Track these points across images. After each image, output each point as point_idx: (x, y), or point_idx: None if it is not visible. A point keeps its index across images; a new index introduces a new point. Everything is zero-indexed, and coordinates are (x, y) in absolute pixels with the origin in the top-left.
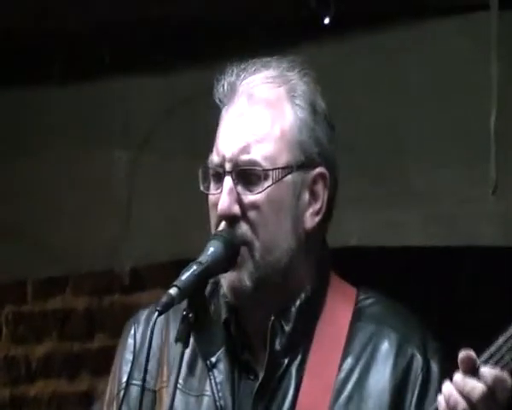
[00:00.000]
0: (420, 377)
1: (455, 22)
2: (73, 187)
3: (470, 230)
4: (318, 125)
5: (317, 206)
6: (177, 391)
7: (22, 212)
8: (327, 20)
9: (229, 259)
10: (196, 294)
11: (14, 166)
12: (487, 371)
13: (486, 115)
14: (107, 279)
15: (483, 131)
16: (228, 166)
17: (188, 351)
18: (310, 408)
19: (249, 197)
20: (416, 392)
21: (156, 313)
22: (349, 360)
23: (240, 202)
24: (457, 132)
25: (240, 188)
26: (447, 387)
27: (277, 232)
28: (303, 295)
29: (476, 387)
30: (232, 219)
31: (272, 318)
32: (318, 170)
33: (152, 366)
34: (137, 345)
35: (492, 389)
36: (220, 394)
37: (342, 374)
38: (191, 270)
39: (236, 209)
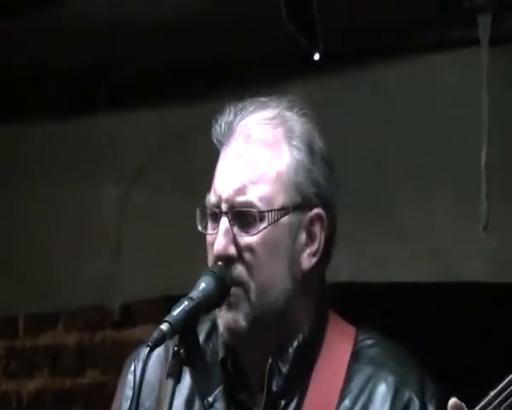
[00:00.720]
0: None
1: (446, 57)
2: (64, 223)
3: (459, 266)
4: (315, 166)
5: (314, 247)
6: None
7: (12, 248)
8: (317, 57)
9: (221, 295)
10: (187, 329)
11: (2, 200)
12: None
13: (477, 151)
14: (98, 315)
15: (473, 166)
16: (224, 207)
17: (186, 390)
18: None
19: (245, 239)
20: None
21: (147, 349)
22: (346, 402)
23: (236, 243)
24: (448, 168)
25: (236, 229)
26: None
27: (273, 274)
28: (301, 336)
29: None
30: (228, 260)
31: (270, 359)
32: (315, 211)
33: (152, 401)
34: (137, 381)
35: None
36: None
37: None
38: (182, 306)
39: (232, 250)
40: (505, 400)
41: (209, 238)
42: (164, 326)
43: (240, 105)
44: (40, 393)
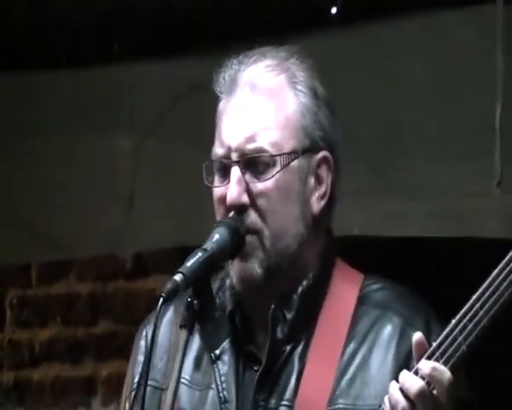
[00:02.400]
0: None
1: (460, 14)
2: (78, 174)
3: (473, 223)
4: (320, 110)
5: (322, 190)
6: (184, 386)
7: (25, 199)
8: (333, 10)
9: (235, 246)
10: (201, 281)
11: (15, 154)
12: (425, 364)
13: (491, 109)
14: (110, 265)
15: (487, 124)
16: (234, 156)
17: (194, 346)
18: (312, 394)
19: (258, 185)
20: None
21: (161, 299)
22: (352, 345)
23: (248, 190)
24: (461, 126)
25: (248, 177)
26: (392, 385)
27: (286, 219)
28: (305, 283)
29: (414, 383)
30: (241, 209)
31: (272, 306)
32: (322, 154)
33: (164, 364)
34: (149, 346)
35: (430, 385)
36: (224, 385)
37: (345, 358)
38: (196, 257)
39: (245, 198)
40: (464, 328)
41: (217, 192)
42: (178, 277)
43: (241, 56)
44: (52, 342)
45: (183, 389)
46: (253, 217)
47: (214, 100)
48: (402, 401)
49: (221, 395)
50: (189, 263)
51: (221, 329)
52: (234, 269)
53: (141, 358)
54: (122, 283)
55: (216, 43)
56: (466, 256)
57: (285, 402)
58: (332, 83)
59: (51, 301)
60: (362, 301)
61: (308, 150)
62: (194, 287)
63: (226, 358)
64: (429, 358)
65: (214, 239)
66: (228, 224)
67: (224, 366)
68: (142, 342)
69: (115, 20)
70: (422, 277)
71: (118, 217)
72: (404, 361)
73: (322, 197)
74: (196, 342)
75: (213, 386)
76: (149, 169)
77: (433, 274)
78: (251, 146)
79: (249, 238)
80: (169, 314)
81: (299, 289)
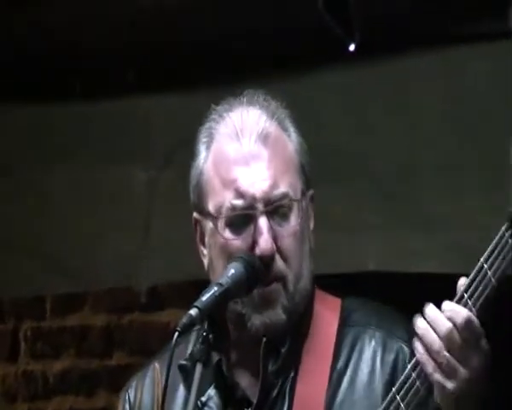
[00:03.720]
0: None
1: (477, 50)
2: (92, 204)
3: None
4: (303, 148)
5: (312, 224)
6: None
7: (40, 228)
8: (351, 47)
9: (250, 281)
10: (215, 315)
11: (30, 183)
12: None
13: (505, 144)
14: (125, 297)
15: (501, 159)
16: (261, 206)
17: (180, 394)
18: None
19: (284, 233)
20: None
21: (176, 333)
22: (338, 367)
23: (275, 239)
24: (475, 160)
25: (273, 224)
26: (420, 324)
27: (302, 260)
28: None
29: (459, 313)
30: (272, 258)
31: (264, 340)
32: (311, 190)
33: None
34: (132, 403)
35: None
36: None
37: (333, 382)
38: (212, 291)
39: (274, 247)
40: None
41: (233, 245)
42: (193, 311)
43: (226, 105)
44: (66, 374)
45: None
46: (279, 264)
47: None
48: (436, 340)
49: None
50: (205, 297)
51: (204, 375)
52: (255, 318)
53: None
54: (137, 315)
55: (230, 75)
56: None
57: None
58: (348, 117)
59: (65, 333)
60: (343, 322)
61: (307, 189)
62: (209, 321)
63: (212, 404)
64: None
65: (229, 274)
66: (243, 259)
67: None
68: (127, 406)
69: (130, 50)
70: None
71: (133, 249)
72: (391, 371)
73: (312, 231)
74: (181, 390)
75: None
76: (165, 201)
77: None
78: (277, 192)
79: (275, 286)
80: (151, 374)
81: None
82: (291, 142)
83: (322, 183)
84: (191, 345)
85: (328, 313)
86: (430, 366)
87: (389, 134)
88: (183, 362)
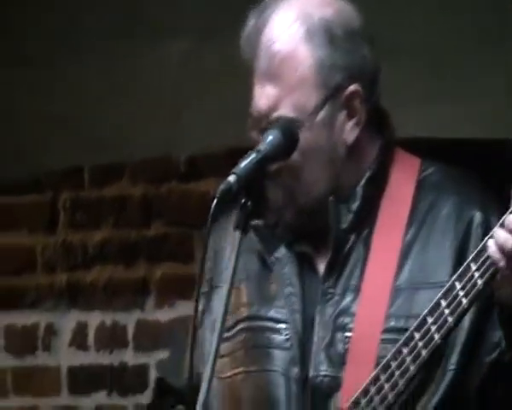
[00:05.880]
0: (480, 232)
1: None
2: (128, 76)
3: None
4: (338, 51)
5: (355, 120)
6: (245, 281)
7: (77, 104)
8: None
9: (289, 146)
10: (255, 182)
11: (68, 59)
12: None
13: None
14: (163, 167)
15: None
16: (263, 123)
17: (255, 247)
18: (377, 278)
19: None
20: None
21: (215, 200)
22: (412, 230)
23: None
24: None
25: None
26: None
27: (317, 172)
28: (367, 175)
29: None
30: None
31: (331, 198)
32: (349, 89)
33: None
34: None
35: None
36: (287, 281)
37: (406, 243)
38: (250, 158)
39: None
40: None
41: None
42: (231, 178)
43: (261, 7)
44: (105, 244)
45: (248, 284)
46: (286, 180)
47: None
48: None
49: (286, 290)
50: (243, 164)
51: (276, 233)
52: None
53: (208, 264)
54: (175, 185)
55: None
56: None
57: (352, 287)
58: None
59: (104, 203)
60: (420, 186)
61: (331, 96)
62: (247, 188)
63: (285, 259)
64: None
65: (268, 140)
66: (281, 125)
67: (284, 266)
68: (208, 250)
69: None
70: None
71: (171, 119)
72: (463, 237)
73: (357, 124)
74: (254, 245)
75: (276, 282)
76: (203, 70)
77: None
78: (275, 114)
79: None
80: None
81: (362, 181)
82: (310, 56)
83: None
84: None
85: (405, 175)
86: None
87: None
88: (255, 222)
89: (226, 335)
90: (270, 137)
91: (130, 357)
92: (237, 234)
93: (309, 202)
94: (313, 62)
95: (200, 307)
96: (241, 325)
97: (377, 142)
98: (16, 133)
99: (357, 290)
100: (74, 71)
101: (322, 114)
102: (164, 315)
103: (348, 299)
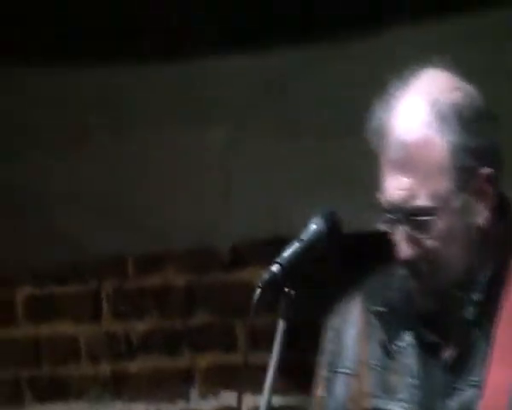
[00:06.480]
0: None
1: None
2: (171, 164)
3: None
4: (470, 135)
5: (485, 203)
6: (371, 370)
7: (121, 190)
8: None
9: (332, 236)
10: (297, 271)
11: (108, 147)
12: None
13: None
14: (207, 257)
15: None
16: (397, 215)
17: (376, 335)
18: (498, 379)
19: (426, 241)
20: None
21: (258, 290)
22: None
23: (418, 244)
24: None
25: (415, 233)
26: None
27: (452, 257)
28: (490, 268)
29: None
30: (414, 263)
31: (456, 290)
32: (482, 172)
33: (354, 351)
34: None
35: None
36: (412, 372)
37: None
38: (293, 247)
39: (416, 253)
40: None
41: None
42: (275, 267)
43: (384, 103)
44: (149, 334)
45: (370, 373)
46: (423, 267)
47: (302, 91)
48: None
49: (407, 380)
50: (286, 253)
51: (401, 321)
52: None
53: (329, 346)
54: (218, 274)
55: (303, 34)
56: None
57: (474, 383)
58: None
59: (147, 293)
60: None
61: (464, 182)
62: (290, 277)
63: (410, 348)
64: None
65: (311, 229)
66: (325, 214)
67: (408, 355)
68: (330, 333)
69: (206, 10)
70: None
71: (214, 208)
72: None
73: (486, 208)
74: (376, 332)
75: (397, 372)
76: (245, 161)
77: None
78: (412, 204)
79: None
80: (357, 301)
81: (488, 273)
82: (443, 143)
83: None
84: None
85: None
86: None
87: None
88: (378, 308)
89: None
90: (314, 227)
91: None
92: (281, 324)
93: (443, 288)
94: (447, 148)
95: (320, 393)
96: None
97: (500, 226)
98: (58, 218)
99: (479, 387)
100: (113, 150)
101: (457, 199)
102: (208, 405)
103: (470, 394)
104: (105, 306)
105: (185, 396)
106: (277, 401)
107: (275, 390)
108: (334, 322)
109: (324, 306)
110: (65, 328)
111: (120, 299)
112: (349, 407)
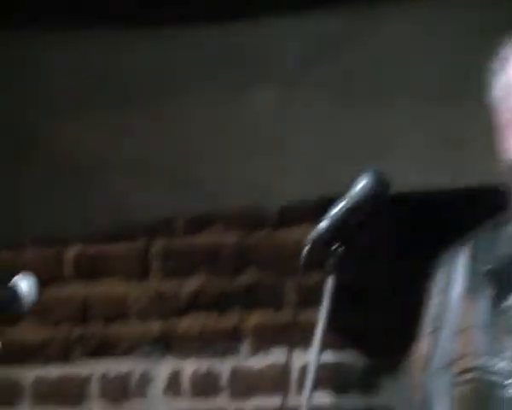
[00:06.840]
0: None
1: None
2: (225, 124)
3: None
4: None
5: None
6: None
7: (169, 153)
8: None
9: (379, 193)
10: (345, 228)
11: (162, 107)
12: None
13: None
14: (257, 215)
15: None
16: None
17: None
18: None
19: None
20: None
21: (306, 247)
22: None
23: None
24: None
25: None
26: None
27: None
28: None
29: None
30: None
31: None
32: None
33: (460, 305)
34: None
35: None
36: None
37: None
38: (340, 205)
39: None
40: None
41: None
42: (322, 225)
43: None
44: (198, 292)
45: (476, 332)
46: None
47: (356, 53)
48: None
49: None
50: (333, 212)
51: (510, 279)
52: None
53: (434, 303)
54: (267, 233)
55: None
56: None
57: None
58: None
59: (196, 251)
60: None
61: None
62: (338, 234)
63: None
64: None
65: (358, 187)
66: (372, 172)
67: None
68: (435, 291)
69: None
70: None
71: (263, 168)
72: None
73: None
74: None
75: (506, 332)
76: (299, 119)
77: None
78: None
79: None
80: (463, 258)
81: None
82: None
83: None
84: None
85: None
86: None
87: None
88: (488, 265)
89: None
90: (360, 186)
91: (224, 403)
92: (329, 280)
93: None
94: None
95: (426, 350)
96: (466, 376)
97: None
98: (111, 179)
99: None
100: (170, 115)
101: None
102: (258, 361)
103: None
104: (154, 264)
105: (235, 353)
106: (328, 357)
107: (326, 346)
108: (438, 279)
109: (371, 266)
110: (114, 286)
111: (170, 257)
112: (453, 364)
